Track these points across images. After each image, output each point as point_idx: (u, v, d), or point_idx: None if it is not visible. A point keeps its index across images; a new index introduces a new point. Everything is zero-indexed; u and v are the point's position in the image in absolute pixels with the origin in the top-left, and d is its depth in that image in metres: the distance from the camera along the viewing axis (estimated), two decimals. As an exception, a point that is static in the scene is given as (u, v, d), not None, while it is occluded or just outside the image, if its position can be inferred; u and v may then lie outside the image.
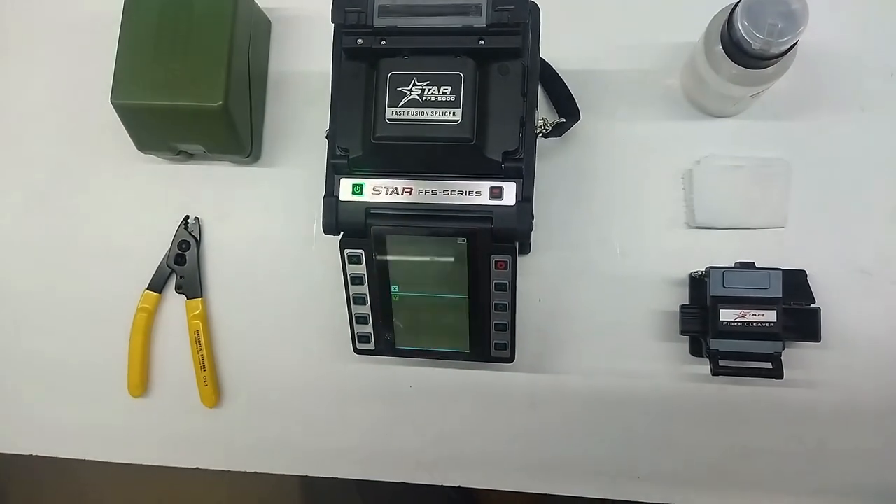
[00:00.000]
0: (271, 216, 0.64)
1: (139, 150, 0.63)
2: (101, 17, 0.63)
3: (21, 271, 0.66)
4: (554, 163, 0.61)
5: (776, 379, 0.53)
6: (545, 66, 0.60)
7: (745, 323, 0.52)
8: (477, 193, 0.48)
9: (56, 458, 0.65)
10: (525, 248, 0.60)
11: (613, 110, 0.61)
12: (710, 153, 0.59)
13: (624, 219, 0.60)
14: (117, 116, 0.60)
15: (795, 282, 0.55)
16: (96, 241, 0.66)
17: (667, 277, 0.59)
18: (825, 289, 0.57)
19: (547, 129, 0.53)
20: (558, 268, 0.61)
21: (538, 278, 0.61)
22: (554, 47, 0.60)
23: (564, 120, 0.56)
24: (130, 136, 0.62)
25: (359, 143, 0.48)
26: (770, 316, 0.52)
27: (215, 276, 0.64)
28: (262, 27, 0.64)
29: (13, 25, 0.69)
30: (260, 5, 0.65)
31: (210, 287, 0.64)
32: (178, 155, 0.63)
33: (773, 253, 0.57)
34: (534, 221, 0.58)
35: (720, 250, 0.58)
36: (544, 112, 0.62)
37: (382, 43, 0.48)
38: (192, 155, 0.64)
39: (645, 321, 0.59)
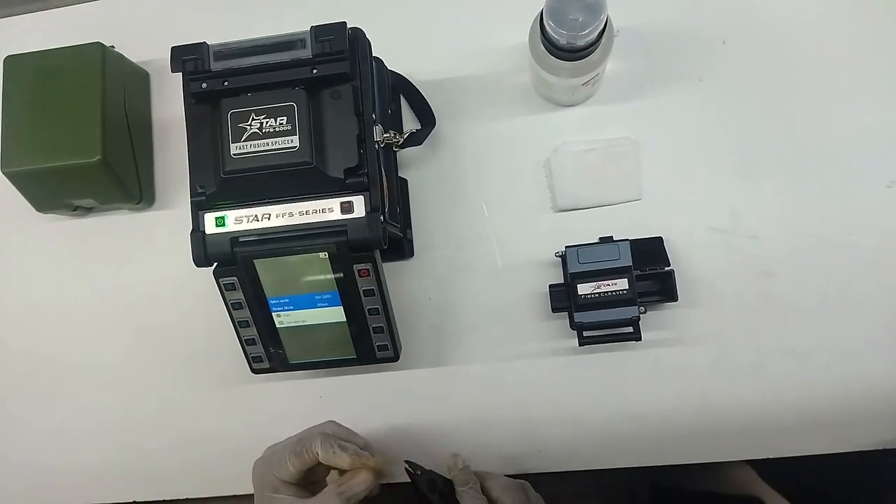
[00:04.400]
0: (172, 256, 0.67)
1: (38, 211, 0.66)
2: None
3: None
4: (426, 169, 0.65)
5: (636, 341, 0.57)
6: (401, 79, 0.64)
7: (602, 294, 0.56)
8: (329, 210, 0.52)
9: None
10: (408, 252, 0.64)
11: (474, 112, 0.65)
12: (565, 140, 0.63)
13: (497, 212, 0.64)
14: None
15: (652, 248, 0.59)
16: (10, 301, 0.69)
17: (541, 260, 0.63)
18: (685, 251, 0.61)
19: (398, 141, 0.57)
20: (442, 266, 0.64)
21: (425, 279, 0.65)
22: (411, 60, 0.65)
23: (415, 130, 0.60)
24: (27, 199, 0.65)
25: (212, 179, 0.52)
26: (623, 284, 0.56)
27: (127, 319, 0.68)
28: (138, 79, 0.68)
29: None
30: (136, 59, 0.69)
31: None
32: (75, 210, 0.67)
33: (632, 225, 0.61)
34: (411, 227, 0.63)
35: (584, 228, 0.62)
36: (409, 123, 0.66)
37: (225, 84, 0.52)
38: (89, 209, 0.68)
39: (527, 304, 0.63)
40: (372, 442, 0.59)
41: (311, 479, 0.54)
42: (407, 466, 0.51)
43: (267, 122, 0.50)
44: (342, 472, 0.52)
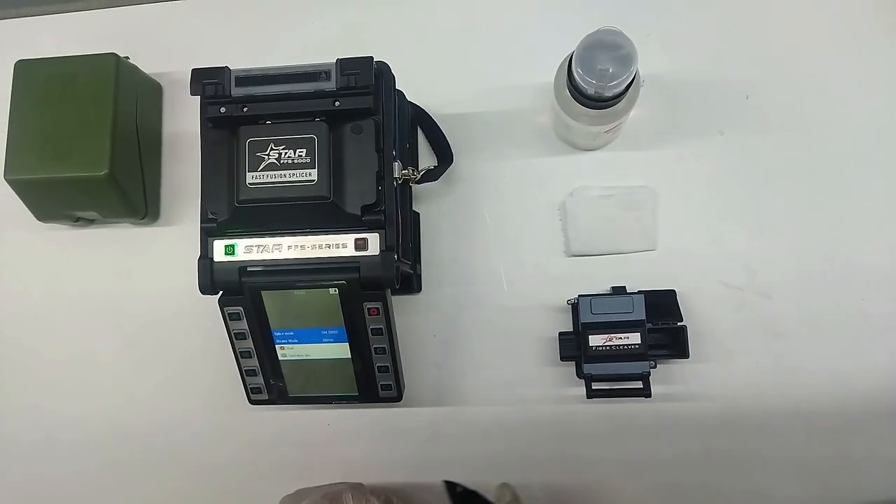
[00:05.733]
0: (173, 273, 0.65)
1: (38, 220, 0.65)
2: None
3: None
4: (440, 203, 0.64)
5: (645, 397, 0.55)
6: (422, 113, 0.63)
7: (613, 346, 0.55)
8: (343, 246, 0.50)
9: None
10: (416, 287, 0.62)
11: (492, 150, 0.64)
12: (582, 185, 0.62)
13: (508, 252, 0.63)
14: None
15: (664, 302, 0.58)
16: (5, 312, 0.67)
17: (551, 305, 0.62)
18: (697, 305, 0.60)
19: (416, 177, 0.56)
20: (449, 303, 0.63)
21: (431, 314, 0.63)
22: (433, 94, 0.64)
23: (432, 167, 0.59)
24: (28, 208, 0.64)
25: (225, 207, 0.50)
26: (635, 338, 0.55)
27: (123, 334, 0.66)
28: (150, 92, 0.67)
29: None
30: (150, 71, 0.67)
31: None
32: (77, 222, 0.65)
33: (645, 275, 0.60)
34: (421, 262, 0.61)
35: (596, 276, 0.61)
36: (426, 156, 0.65)
37: (245, 110, 0.50)
38: (91, 220, 0.66)
39: (533, 348, 0.62)
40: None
41: None
42: (446, 486, 0.49)
43: (286, 153, 0.49)
44: None
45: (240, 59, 0.53)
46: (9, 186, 0.61)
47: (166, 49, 0.69)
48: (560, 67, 0.55)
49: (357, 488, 0.50)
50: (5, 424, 0.67)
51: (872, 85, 0.61)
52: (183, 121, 0.69)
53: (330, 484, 0.53)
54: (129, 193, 0.62)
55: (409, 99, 0.62)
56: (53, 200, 0.62)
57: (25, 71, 0.62)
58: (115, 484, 0.65)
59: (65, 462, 0.66)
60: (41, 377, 0.66)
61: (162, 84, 0.69)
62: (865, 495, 0.58)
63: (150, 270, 0.66)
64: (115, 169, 0.59)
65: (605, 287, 0.61)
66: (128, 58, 0.64)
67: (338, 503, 0.49)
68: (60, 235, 0.67)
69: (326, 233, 0.51)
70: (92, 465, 0.66)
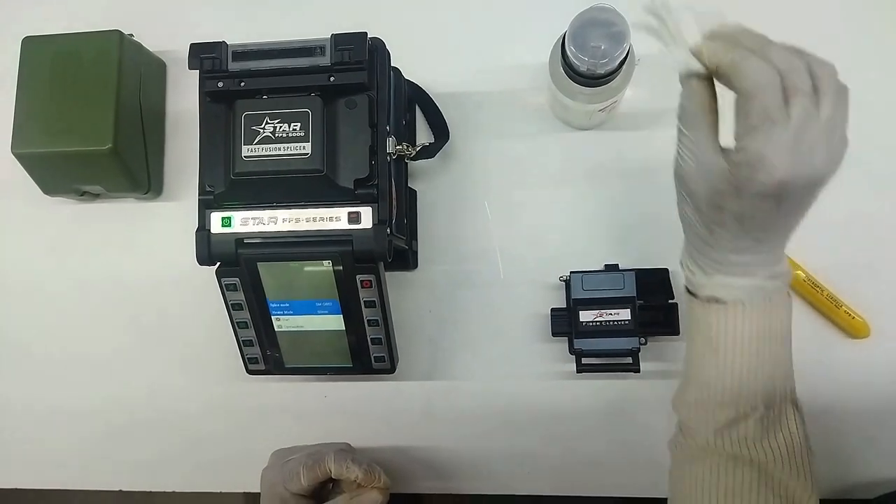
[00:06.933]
0: (175, 248, 0.67)
1: (45, 193, 0.66)
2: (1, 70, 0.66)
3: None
4: (436, 181, 0.65)
5: (634, 373, 0.56)
6: (419, 90, 0.64)
7: (604, 322, 0.55)
8: (337, 219, 0.51)
9: None
10: (412, 264, 0.63)
11: (489, 128, 0.65)
12: (578, 164, 0.62)
13: (503, 229, 0.64)
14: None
15: (657, 279, 0.58)
16: (11, 282, 0.69)
17: (545, 282, 0.62)
18: (690, 284, 0.60)
19: (411, 153, 0.57)
20: (445, 280, 0.64)
21: (427, 291, 0.64)
22: (431, 72, 0.65)
23: (428, 144, 0.59)
24: (35, 181, 0.65)
25: (222, 179, 0.51)
26: (625, 314, 0.55)
27: (125, 307, 0.68)
28: (154, 70, 0.68)
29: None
30: (154, 48, 0.68)
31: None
32: (82, 196, 0.67)
33: (639, 254, 0.61)
34: (416, 238, 0.62)
35: (591, 254, 0.62)
36: (422, 134, 0.65)
37: (242, 85, 0.51)
38: (97, 195, 0.68)
39: (527, 325, 0.63)
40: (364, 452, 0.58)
41: (320, 494, 0.54)
42: None
43: (280, 127, 0.50)
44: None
45: (243, 37, 0.53)
46: (16, 160, 0.63)
47: (170, 27, 0.70)
48: (555, 46, 0.56)
49: (341, 453, 0.51)
50: (8, 393, 0.69)
51: (872, 63, 0.61)
52: (186, 98, 0.70)
53: (320, 444, 0.55)
54: (133, 168, 0.63)
55: (406, 77, 0.62)
56: (59, 174, 0.64)
57: (32, 48, 0.64)
58: (114, 452, 0.67)
59: (66, 431, 0.68)
60: (44, 348, 0.68)
61: (166, 62, 0.70)
62: (860, 478, 0.58)
63: (154, 244, 0.68)
64: (119, 144, 0.61)
65: (599, 265, 0.61)
66: (132, 35, 0.65)
67: (320, 464, 0.51)
68: (66, 209, 0.69)
69: (320, 206, 0.51)
70: (92, 433, 0.67)
